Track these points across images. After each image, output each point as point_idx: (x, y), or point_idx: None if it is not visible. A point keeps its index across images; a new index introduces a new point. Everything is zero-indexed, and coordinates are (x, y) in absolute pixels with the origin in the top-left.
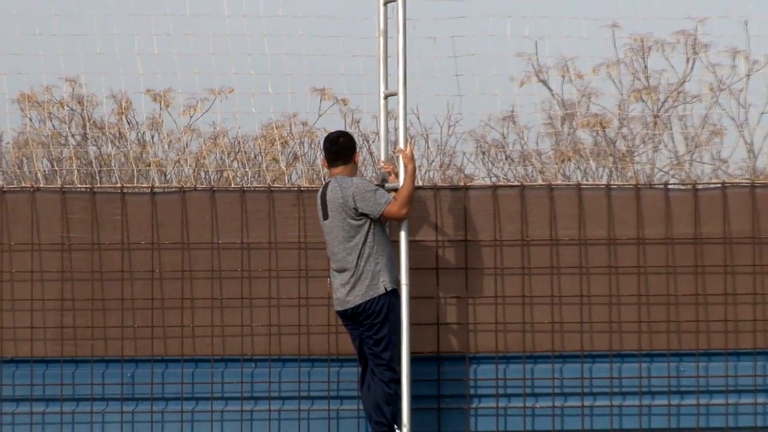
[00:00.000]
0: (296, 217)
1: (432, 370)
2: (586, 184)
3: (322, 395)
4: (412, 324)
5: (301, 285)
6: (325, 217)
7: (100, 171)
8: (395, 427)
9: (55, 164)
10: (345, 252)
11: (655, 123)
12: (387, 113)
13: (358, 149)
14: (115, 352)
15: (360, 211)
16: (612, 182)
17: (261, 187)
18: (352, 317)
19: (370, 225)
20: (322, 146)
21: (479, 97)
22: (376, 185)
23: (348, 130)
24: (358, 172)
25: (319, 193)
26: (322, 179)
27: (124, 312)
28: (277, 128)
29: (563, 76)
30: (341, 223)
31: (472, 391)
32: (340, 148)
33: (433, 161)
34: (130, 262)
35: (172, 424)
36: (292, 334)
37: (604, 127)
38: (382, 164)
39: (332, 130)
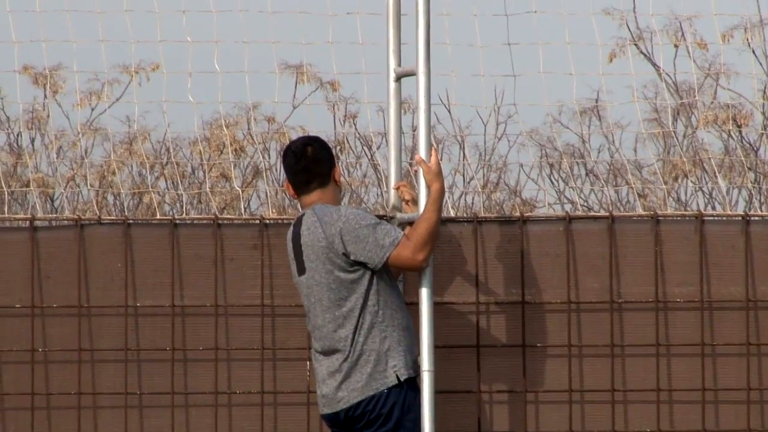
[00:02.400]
0: (257, 265)
1: None
2: (713, 215)
3: None
4: None
5: (265, 373)
6: (301, 270)
7: None
8: None
9: None
10: (333, 323)
11: None
12: (400, 103)
13: (337, 161)
14: None
15: (353, 258)
16: (753, 212)
17: (203, 218)
18: (345, 424)
19: (371, 280)
20: (282, 163)
21: (545, 79)
22: (379, 216)
23: (338, 129)
24: (344, 195)
25: (290, 234)
26: (298, 209)
27: None
28: (227, 127)
29: (676, 46)
30: (325, 279)
31: None
32: (311, 163)
33: (472, 179)
34: None
35: None
36: None
37: (740, 126)
38: (393, 185)
39: (301, 135)
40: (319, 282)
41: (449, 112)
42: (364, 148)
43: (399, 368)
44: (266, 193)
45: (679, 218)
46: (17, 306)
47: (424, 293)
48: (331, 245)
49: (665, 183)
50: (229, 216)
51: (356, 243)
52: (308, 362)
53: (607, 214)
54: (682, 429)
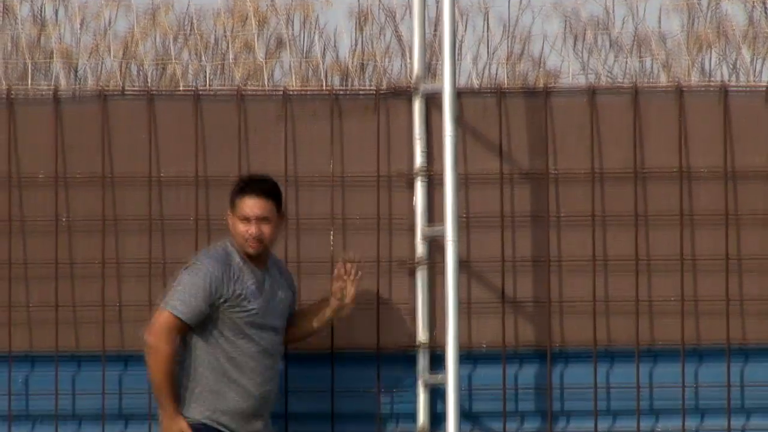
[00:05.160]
0: (280, 137)
1: None
2: (737, 86)
3: None
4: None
5: (288, 242)
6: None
7: None
8: None
9: None
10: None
11: None
12: None
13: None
14: None
15: None
16: None
17: (226, 89)
18: None
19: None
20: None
21: None
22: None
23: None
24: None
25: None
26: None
27: (12, 283)
28: None
29: None
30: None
31: None
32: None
33: (496, 50)
34: (21, 206)
35: None
36: None
37: None
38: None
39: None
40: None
41: None
42: (388, 19)
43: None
44: (290, 64)
45: (703, 89)
46: (41, 176)
47: (448, 163)
48: None
49: (689, 55)
50: (252, 87)
51: None
52: (331, 232)
53: (631, 85)
54: (706, 297)
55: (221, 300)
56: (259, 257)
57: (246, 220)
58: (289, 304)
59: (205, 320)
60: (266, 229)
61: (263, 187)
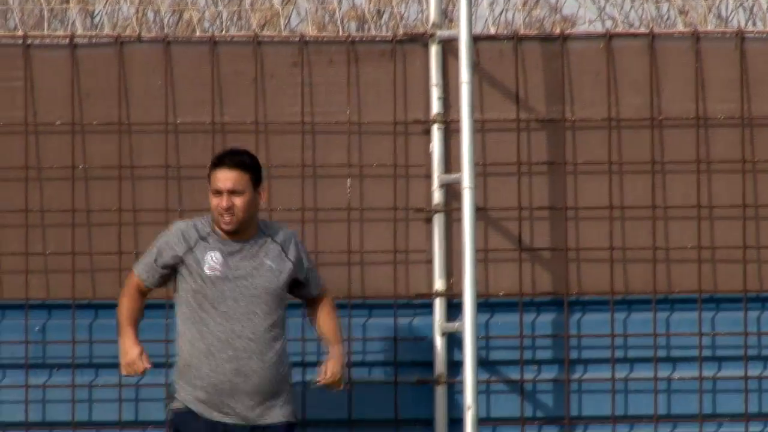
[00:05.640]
0: (297, 83)
1: None
2: (754, 32)
3: None
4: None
5: (305, 191)
6: None
7: None
8: None
9: None
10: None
11: None
12: None
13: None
14: (15, 292)
15: None
16: None
17: (243, 36)
18: None
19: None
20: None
21: None
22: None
23: None
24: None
25: None
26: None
27: (28, 231)
28: None
29: None
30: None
31: None
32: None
33: None
34: (38, 153)
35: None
36: None
37: None
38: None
39: None
40: None
41: None
42: None
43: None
44: (306, 10)
45: (719, 35)
46: (57, 123)
47: (465, 110)
48: None
49: None
50: (268, 33)
51: None
52: (348, 180)
53: (648, 30)
54: (723, 245)
55: (171, 264)
56: (240, 232)
57: (218, 193)
58: (288, 275)
59: (178, 291)
60: (239, 201)
61: (236, 159)
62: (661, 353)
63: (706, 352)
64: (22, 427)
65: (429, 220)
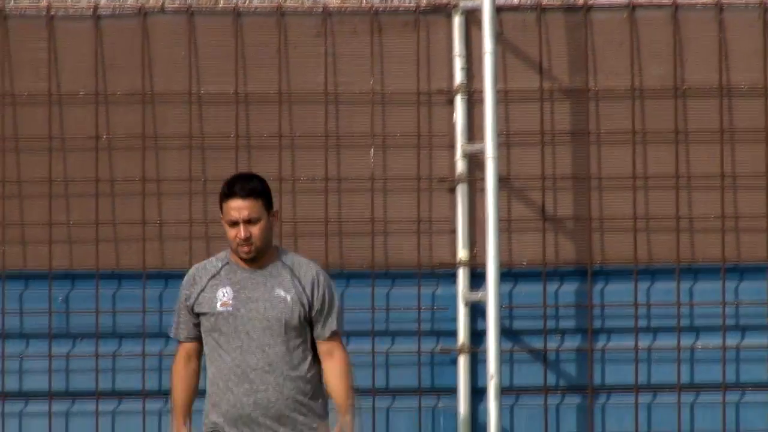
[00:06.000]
0: (320, 53)
1: None
2: None
3: None
4: None
5: (329, 159)
6: None
7: None
8: None
9: None
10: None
11: None
12: None
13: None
14: (38, 262)
15: None
16: None
17: (266, 6)
18: None
19: None
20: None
21: None
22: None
23: None
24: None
25: None
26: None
27: (52, 201)
28: None
29: None
30: None
31: None
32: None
33: None
34: (61, 123)
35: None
36: None
37: None
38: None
39: None
40: None
41: None
42: None
43: None
44: None
45: (743, 5)
46: (81, 93)
47: (488, 80)
48: None
49: None
50: (292, 3)
51: None
52: (372, 149)
53: (671, 1)
54: (746, 213)
55: (197, 311)
56: (258, 258)
57: (234, 224)
58: (300, 306)
59: (202, 333)
60: (255, 230)
61: (246, 187)
62: (685, 322)
63: (730, 321)
64: (46, 396)
65: (452, 190)
